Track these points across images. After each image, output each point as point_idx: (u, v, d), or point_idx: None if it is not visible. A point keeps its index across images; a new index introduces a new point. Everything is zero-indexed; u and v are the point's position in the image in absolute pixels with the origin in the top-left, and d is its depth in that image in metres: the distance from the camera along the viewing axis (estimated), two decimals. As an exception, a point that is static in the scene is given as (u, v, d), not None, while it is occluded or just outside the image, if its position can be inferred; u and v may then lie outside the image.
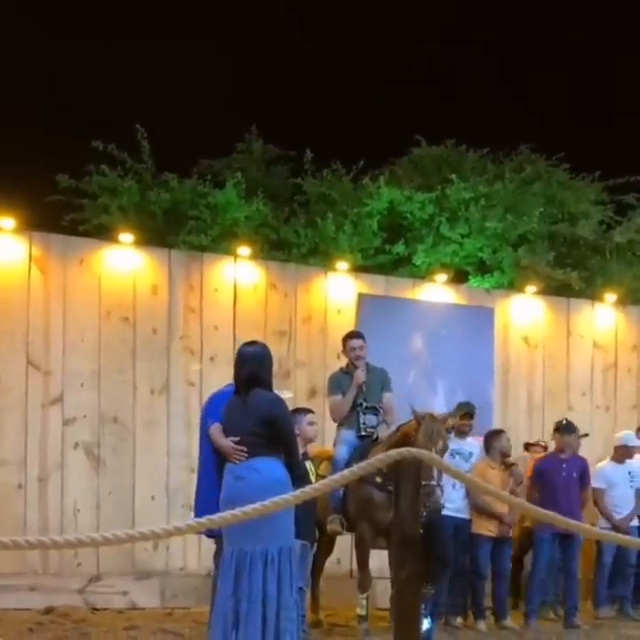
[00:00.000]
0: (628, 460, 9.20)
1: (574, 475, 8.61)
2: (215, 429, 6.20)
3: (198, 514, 6.33)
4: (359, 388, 7.71)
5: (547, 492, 8.45)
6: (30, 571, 8.16)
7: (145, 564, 8.55)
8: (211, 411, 6.46)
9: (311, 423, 7.16)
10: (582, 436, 9.15)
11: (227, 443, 6.00)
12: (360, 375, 7.71)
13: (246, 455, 5.92)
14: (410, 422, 7.47)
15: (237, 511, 3.70)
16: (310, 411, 7.32)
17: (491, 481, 7.98)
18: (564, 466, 8.60)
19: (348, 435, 7.73)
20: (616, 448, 9.21)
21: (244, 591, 5.77)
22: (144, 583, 8.51)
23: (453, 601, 8.24)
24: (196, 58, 12.47)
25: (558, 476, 8.54)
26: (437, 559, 7.80)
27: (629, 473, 9.16)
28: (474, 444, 8.62)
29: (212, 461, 6.30)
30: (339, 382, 7.84)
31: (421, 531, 7.38)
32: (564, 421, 8.78)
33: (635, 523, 9.15)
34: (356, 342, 7.84)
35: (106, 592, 8.34)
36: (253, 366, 6.05)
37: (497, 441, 8.51)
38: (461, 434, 8.44)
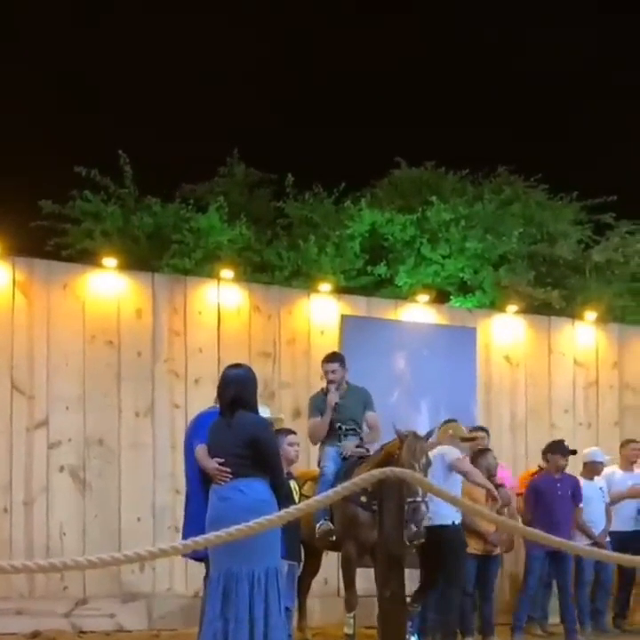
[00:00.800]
0: (596, 477, 9.30)
1: (569, 493, 8.71)
2: (200, 451, 6.26)
3: (188, 536, 6.36)
4: (333, 410, 7.77)
5: (542, 511, 8.55)
6: (16, 594, 8.15)
7: (131, 586, 8.55)
8: (195, 433, 6.51)
9: (292, 444, 7.21)
10: (570, 453, 9.21)
11: (211, 464, 6.07)
12: (331, 397, 7.77)
13: (231, 476, 5.98)
14: (393, 441, 7.55)
15: (222, 532, 3.73)
16: (291, 432, 7.38)
17: (477, 499, 8.04)
18: (558, 485, 8.70)
19: (333, 451, 7.80)
20: (585, 464, 9.31)
21: (231, 612, 5.81)
22: (131, 605, 8.51)
23: (440, 618, 8.27)
24: (176, 83, 12.58)
25: (554, 494, 8.64)
26: (449, 577, 7.87)
27: (600, 489, 9.27)
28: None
29: (199, 483, 6.35)
30: (316, 405, 7.90)
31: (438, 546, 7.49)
32: (567, 445, 8.90)
33: (607, 538, 9.24)
34: (328, 366, 7.90)
35: (93, 615, 8.33)
36: (237, 389, 6.13)
37: (483, 459, 8.58)
38: None
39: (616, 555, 5.55)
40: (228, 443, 6.02)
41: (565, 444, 8.89)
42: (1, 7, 11.46)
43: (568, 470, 9.15)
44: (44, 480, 8.39)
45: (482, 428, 9.01)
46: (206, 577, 6.43)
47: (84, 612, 8.33)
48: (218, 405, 6.54)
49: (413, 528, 7.17)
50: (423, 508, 7.18)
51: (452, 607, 8.07)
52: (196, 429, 6.53)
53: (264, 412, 6.90)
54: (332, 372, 7.84)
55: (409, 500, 7.14)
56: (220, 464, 6.01)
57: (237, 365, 6.41)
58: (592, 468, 9.27)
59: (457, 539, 7.88)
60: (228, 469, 5.98)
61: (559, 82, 13.54)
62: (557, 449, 8.81)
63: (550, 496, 8.62)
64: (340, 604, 7.95)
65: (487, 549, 8.43)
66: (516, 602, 8.73)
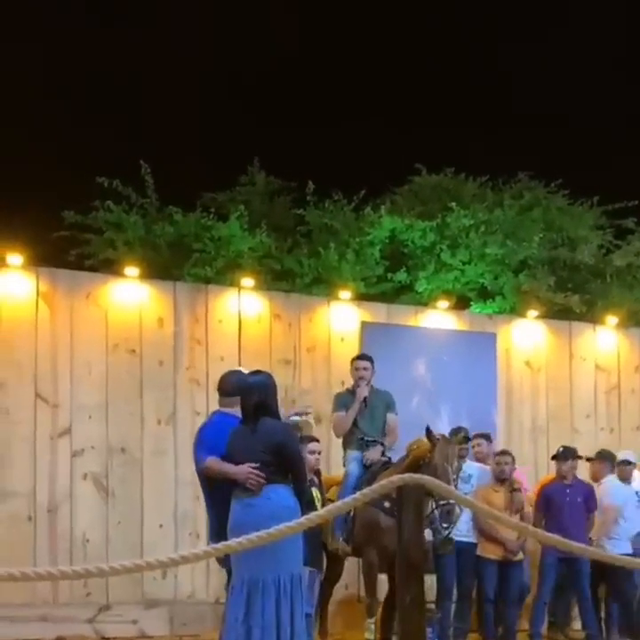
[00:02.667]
0: (633, 483, 9.28)
1: (579, 499, 8.71)
2: (212, 462, 6.23)
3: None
4: (361, 404, 7.87)
5: (552, 517, 8.58)
6: (40, 601, 8.25)
7: (154, 593, 8.63)
8: (204, 446, 6.41)
9: (313, 452, 7.25)
10: (576, 458, 9.20)
11: (241, 468, 6.02)
12: (360, 392, 7.89)
13: (265, 480, 5.98)
14: (417, 445, 7.57)
15: (244, 539, 3.78)
16: (314, 439, 7.42)
17: (494, 504, 8.07)
18: (567, 491, 8.72)
19: (357, 455, 7.86)
20: (617, 467, 9.32)
21: (256, 618, 5.82)
22: (153, 611, 8.58)
23: (459, 624, 8.30)
24: (196, 92, 12.65)
25: (562, 501, 8.66)
26: None
27: (636, 493, 9.25)
28: (473, 466, 8.73)
29: (208, 494, 6.36)
30: (343, 401, 8.02)
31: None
32: (560, 449, 8.95)
33: None
34: (360, 363, 8.09)
35: (115, 621, 8.42)
36: (260, 395, 6.15)
37: (492, 465, 8.64)
38: (459, 457, 8.52)
39: (628, 559, 5.54)
40: (253, 449, 6.01)
41: (561, 449, 8.92)
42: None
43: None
44: (67, 488, 8.48)
45: (482, 435, 9.01)
46: (228, 584, 6.45)
47: (107, 618, 8.42)
48: (217, 414, 6.56)
49: (445, 530, 7.21)
50: (457, 509, 7.21)
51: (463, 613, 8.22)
52: (204, 443, 6.47)
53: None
54: (364, 368, 8.02)
55: (442, 502, 7.15)
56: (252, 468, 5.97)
57: (258, 372, 6.43)
58: (622, 471, 9.27)
59: None
60: (263, 474, 5.98)
61: (579, 86, 13.53)
62: (557, 456, 8.89)
63: (559, 502, 8.66)
64: (360, 610, 7.98)
65: (508, 556, 8.43)
66: (532, 609, 8.74)
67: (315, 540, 6.82)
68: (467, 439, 8.57)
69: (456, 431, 8.51)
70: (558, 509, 8.63)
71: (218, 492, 6.18)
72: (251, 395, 6.17)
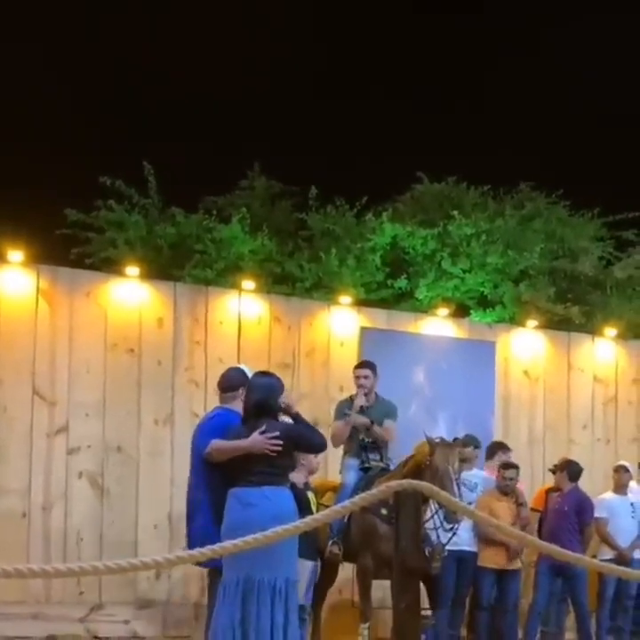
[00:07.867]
0: (629, 494, 9.30)
1: (565, 508, 8.71)
2: (220, 443, 6.14)
3: (194, 542, 6.29)
4: (358, 412, 7.82)
5: (544, 526, 8.69)
6: (33, 599, 8.22)
7: (147, 593, 8.61)
8: (205, 436, 6.40)
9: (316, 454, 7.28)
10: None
11: (254, 437, 5.98)
12: (357, 402, 7.86)
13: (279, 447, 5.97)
14: (416, 454, 7.57)
15: (240, 541, 3.76)
16: None
17: (497, 513, 8.10)
18: (558, 500, 8.78)
19: (354, 462, 7.85)
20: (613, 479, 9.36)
21: (252, 620, 5.80)
22: (146, 612, 8.57)
23: (452, 631, 8.29)
24: (201, 95, 12.66)
25: (552, 508, 8.79)
26: None
27: (632, 504, 9.26)
28: (479, 474, 8.72)
29: (205, 491, 6.34)
30: (342, 410, 7.99)
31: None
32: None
33: (637, 555, 9.19)
34: (359, 371, 8.06)
35: (108, 621, 8.40)
36: (262, 396, 6.16)
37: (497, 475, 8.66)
38: (462, 461, 8.51)
39: (631, 571, 5.54)
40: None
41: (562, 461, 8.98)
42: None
43: (586, 487, 9.18)
44: (62, 485, 8.47)
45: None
46: (211, 585, 6.39)
47: (100, 618, 8.40)
48: (218, 409, 6.57)
49: (449, 531, 7.21)
50: None
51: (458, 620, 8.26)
52: (202, 433, 6.45)
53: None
54: (364, 377, 7.97)
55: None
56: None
57: (265, 373, 6.45)
58: (617, 482, 9.30)
59: None
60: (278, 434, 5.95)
61: (581, 98, 13.55)
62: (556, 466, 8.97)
63: (549, 510, 8.77)
64: (354, 615, 7.97)
65: (504, 565, 8.42)
66: (527, 617, 8.76)
67: (310, 534, 6.78)
68: (474, 446, 8.58)
69: (466, 438, 8.48)
70: (550, 518, 8.74)
71: (218, 481, 6.15)
72: (252, 394, 6.18)
